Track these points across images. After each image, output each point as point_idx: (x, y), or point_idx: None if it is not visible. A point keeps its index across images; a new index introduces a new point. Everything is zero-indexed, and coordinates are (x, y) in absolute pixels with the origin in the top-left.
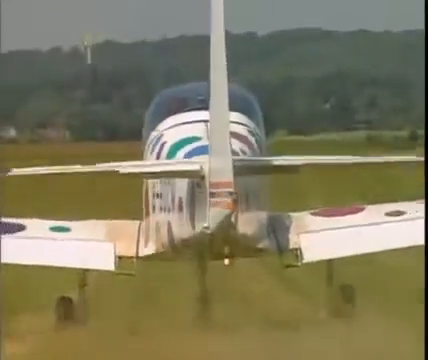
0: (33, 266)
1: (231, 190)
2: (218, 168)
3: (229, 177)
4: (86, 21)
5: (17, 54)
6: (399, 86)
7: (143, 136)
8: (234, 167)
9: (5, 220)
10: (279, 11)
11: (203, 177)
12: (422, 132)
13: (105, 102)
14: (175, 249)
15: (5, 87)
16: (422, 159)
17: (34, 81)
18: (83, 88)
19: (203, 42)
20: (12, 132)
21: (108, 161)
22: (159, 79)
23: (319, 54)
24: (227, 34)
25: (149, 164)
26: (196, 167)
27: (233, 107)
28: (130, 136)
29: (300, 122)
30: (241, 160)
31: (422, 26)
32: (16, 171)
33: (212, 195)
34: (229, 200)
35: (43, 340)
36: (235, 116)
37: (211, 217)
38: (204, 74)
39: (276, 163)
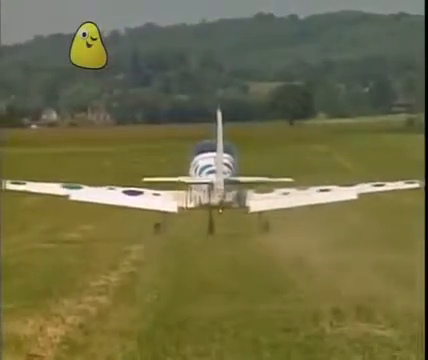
0: (76, 251)
1: (222, 191)
2: (217, 182)
3: (221, 186)
4: (126, 4)
5: (58, 38)
6: None
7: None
8: (224, 181)
9: (135, 188)
10: None
11: (212, 184)
12: None
13: (145, 85)
14: (201, 206)
15: (46, 71)
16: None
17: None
18: (123, 72)
19: (242, 26)
20: (53, 115)
21: (149, 144)
22: (198, 63)
23: (358, 37)
24: (270, 17)
25: (196, 178)
26: (211, 181)
27: (225, 151)
28: (170, 119)
29: (340, 105)
30: (225, 179)
31: None
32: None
33: (216, 191)
34: (222, 194)
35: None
36: (225, 155)
37: (216, 199)
38: (242, 58)
39: (239, 180)
